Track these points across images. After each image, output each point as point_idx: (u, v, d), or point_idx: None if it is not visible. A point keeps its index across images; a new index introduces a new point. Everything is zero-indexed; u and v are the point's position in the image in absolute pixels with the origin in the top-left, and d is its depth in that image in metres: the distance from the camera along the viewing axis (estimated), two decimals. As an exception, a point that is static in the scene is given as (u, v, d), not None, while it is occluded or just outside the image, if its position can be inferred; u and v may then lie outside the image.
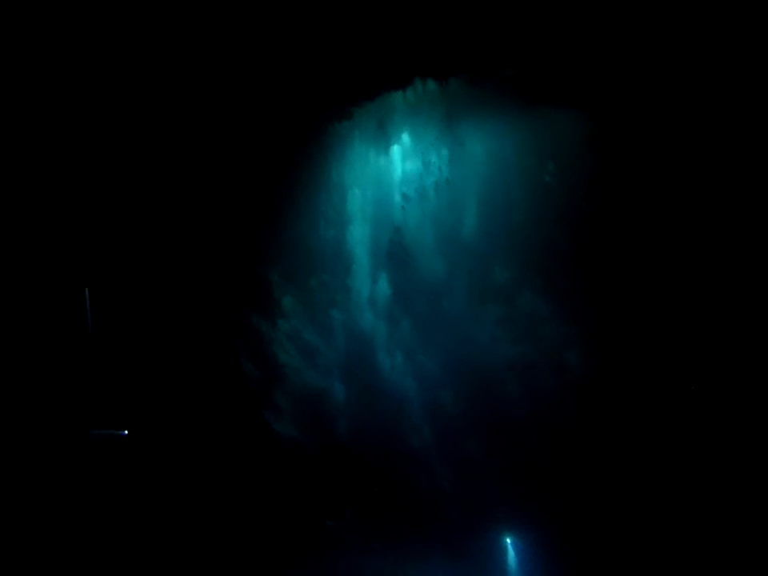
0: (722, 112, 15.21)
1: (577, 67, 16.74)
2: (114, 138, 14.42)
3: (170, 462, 13.60)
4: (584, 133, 17.70)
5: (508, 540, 16.36)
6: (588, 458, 17.16)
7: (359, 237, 19.72)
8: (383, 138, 19.29)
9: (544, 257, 19.40)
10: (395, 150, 19.25)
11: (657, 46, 15.60)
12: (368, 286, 19.76)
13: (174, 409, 14.00)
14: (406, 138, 19.15)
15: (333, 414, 17.42)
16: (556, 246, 19.19)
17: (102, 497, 11.88)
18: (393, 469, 17.58)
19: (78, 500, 11.47)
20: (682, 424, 15.87)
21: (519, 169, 18.83)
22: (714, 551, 13.16)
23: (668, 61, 15.66)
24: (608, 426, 17.15)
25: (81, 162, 13.95)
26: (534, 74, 17.63)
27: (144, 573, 11.65)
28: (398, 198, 19.85)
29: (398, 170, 19.35)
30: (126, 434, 12.03)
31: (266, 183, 17.00)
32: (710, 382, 15.75)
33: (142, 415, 13.23)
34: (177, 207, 15.50)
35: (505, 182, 19.18)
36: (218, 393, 14.60)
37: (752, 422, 14.33)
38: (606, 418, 17.37)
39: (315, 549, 13.23)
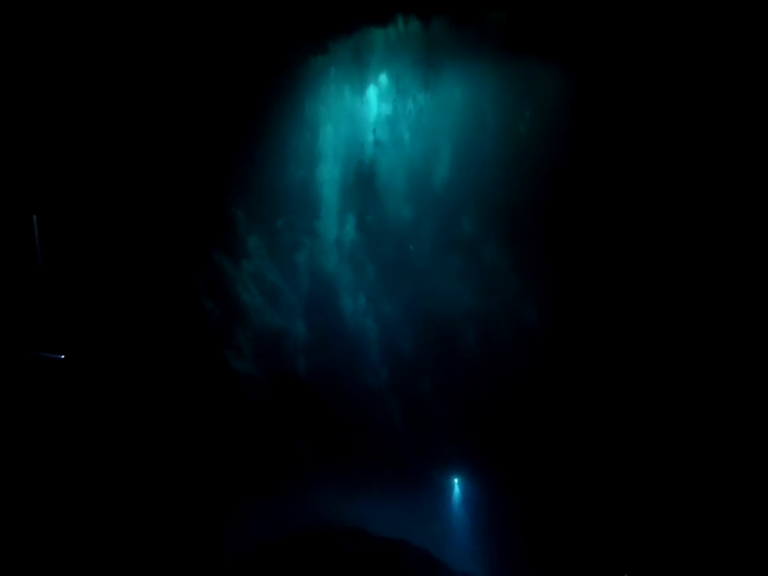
0: (705, 85, 15.16)
1: (567, 20, 16.21)
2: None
3: (121, 392, 13.60)
4: (565, 91, 17.45)
5: (455, 480, 17.26)
6: (535, 407, 17.95)
7: (329, 177, 19.30)
8: (360, 77, 18.51)
9: (512, 211, 19.50)
10: (371, 90, 18.56)
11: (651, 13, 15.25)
12: (335, 228, 19.56)
13: (128, 339, 13.80)
14: (383, 78, 18.42)
15: (292, 353, 17.47)
16: (525, 201, 19.26)
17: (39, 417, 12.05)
18: (349, 407, 18.14)
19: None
20: (629, 382, 16.65)
21: (496, 121, 18.54)
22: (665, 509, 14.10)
23: (659, 29, 15.34)
24: (557, 378, 17.93)
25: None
26: (522, 20, 17.02)
27: (91, 506, 11.91)
28: (370, 139, 19.36)
29: (373, 111, 18.74)
30: (63, 358, 11.92)
31: (234, 115, 16.14)
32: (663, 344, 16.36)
33: (90, 342, 13.10)
34: (139, 134, 14.70)
35: (481, 132, 18.89)
36: (175, 328, 14.40)
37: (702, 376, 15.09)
38: (556, 371, 18.12)
39: (271, 481, 13.68)
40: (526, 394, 18.18)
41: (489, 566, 13.46)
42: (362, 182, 19.63)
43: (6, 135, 12.68)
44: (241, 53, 15.78)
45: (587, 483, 16.04)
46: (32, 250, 12.35)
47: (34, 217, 12.22)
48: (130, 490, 12.22)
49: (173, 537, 11.53)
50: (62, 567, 10.72)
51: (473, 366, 19.38)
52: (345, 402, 18.29)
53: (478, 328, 19.56)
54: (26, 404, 12.11)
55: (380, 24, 17.71)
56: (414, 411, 19.17)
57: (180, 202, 15.25)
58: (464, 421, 18.48)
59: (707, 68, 15.06)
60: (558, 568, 14.19)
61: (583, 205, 18.25)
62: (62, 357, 12.02)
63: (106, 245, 14.30)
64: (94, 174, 13.71)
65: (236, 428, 14.37)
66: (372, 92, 18.52)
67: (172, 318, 14.42)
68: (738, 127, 15.06)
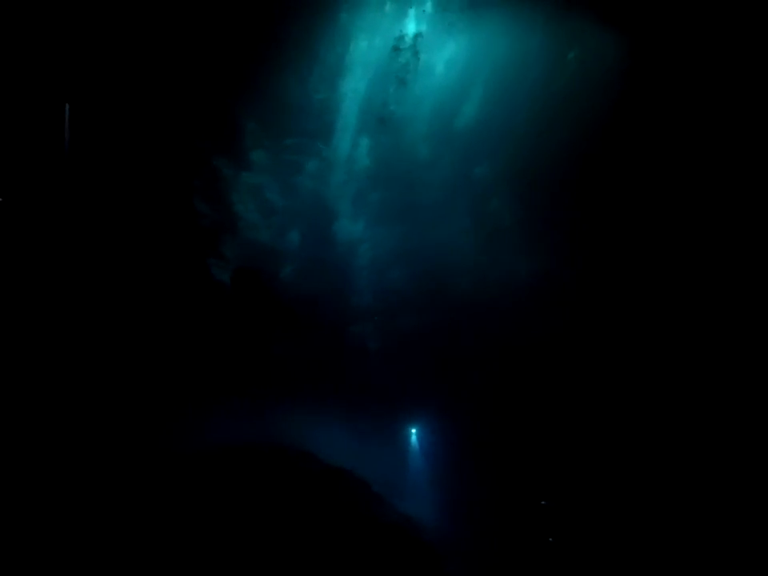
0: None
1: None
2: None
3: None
4: (615, 54, 16.29)
5: (413, 430, 18.09)
6: (510, 364, 18.38)
7: (351, 94, 18.41)
8: (405, -5, 17.06)
9: (529, 168, 18.94)
10: (413, 11, 17.17)
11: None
12: (347, 148, 18.97)
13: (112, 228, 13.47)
14: (429, 5, 16.96)
15: (277, 272, 17.47)
16: (544, 160, 18.65)
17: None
18: (327, 331, 18.52)
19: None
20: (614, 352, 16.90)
21: (535, 73, 17.51)
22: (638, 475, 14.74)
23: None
24: (537, 340, 18.23)
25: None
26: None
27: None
28: (403, 62, 18.27)
29: (411, 34, 17.45)
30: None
31: (257, 11, 14.85)
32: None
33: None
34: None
35: (517, 81, 17.89)
36: (163, 223, 14.05)
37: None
38: (537, 331, 18.39)
39: (234, 393, 14.20)
40: (504, 350, 18.54)
41: (429, 511, 14.41)
42: (386, 105, 18.80)
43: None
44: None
45: (540, 444, 16.64)
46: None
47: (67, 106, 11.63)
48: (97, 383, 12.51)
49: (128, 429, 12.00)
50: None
51: (457, 310, 19.62)
52: (323, 325, 18.60)
53: (469, 275, 19.65)
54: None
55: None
56: (390, 348, 19.58)
57: (185, 95, 14.29)
58: (436, 366, 18.95)
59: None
60: (495, 516, 15.05)
61: (603, 176, 17.67)
62: None
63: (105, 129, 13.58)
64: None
65: (207, 335, 14.61)
66: (413, 13, 17.15)
67: (161, 212, 14.05)
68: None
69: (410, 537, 10.84)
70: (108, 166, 13.34)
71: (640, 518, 13.32)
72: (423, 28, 17.68)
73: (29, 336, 11.79)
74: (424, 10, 17.31)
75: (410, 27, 17.76)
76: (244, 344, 15.32)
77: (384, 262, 19.89)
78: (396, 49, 17.60)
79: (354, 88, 18.15)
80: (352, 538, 10.27)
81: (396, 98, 18.57)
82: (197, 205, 14.85)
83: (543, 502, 14.78)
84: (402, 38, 17.53)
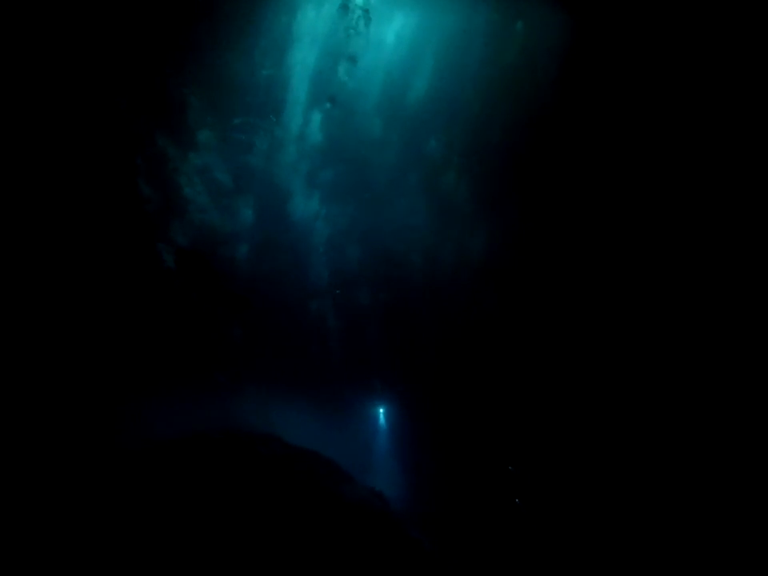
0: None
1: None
2: None
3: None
4: (560, 32, 16.48)
5: (381, 410, 18.29)
6: (466, 339, 18.70)
7: (301, 66, 17.88)
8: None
9: (481, 142, 19.08)
10: (365, -25, 16.70)
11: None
12: (299, 123, 18.52)
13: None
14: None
15: (232, 255, 17.04)
16: (496, 134, 18.82)
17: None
18: (285, 313, 18.31)
19: None
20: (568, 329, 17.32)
21: (484, 47, 17.52)
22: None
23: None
24: (492, 315, 18.59)
25: None
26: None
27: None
28: (353, 33, 17.87)
29: (359, 6, 17.02)
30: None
31: None
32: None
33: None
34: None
35: (467, 54, 17.91)
36: (107, 207, 13.32)
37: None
38: (492, 306, 18.74)
39: (189, 379, 13.88)
40: (460, 324, 18.83)
41: (400, 485, 14.68)
42: (335, 78, 18.40)
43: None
44: None
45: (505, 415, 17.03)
46: None
47: None
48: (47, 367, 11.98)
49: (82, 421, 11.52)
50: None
51: (413, 288, 19.77)
52: (280, 306, 18.39)
53: (424, 251, 19.77)
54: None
55: None
56: (350, 325, 19.57)
57: (117, 64, 13.26)
58: (395, 343, 19.11)
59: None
60: (464, 485, 15.42)
61: (554, 150, 17.95)
62: None
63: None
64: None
65: (159, 323, 14.15)
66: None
67: (103, 196, 13.29)
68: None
69: (377, 511, 11.03)
70: (43, 146, 12.50)
71: (606, 478, 13.93)
72: (374, 5, 17.32)
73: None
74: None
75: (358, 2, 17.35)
76: (195, 328, 14.95)
77: (340, 240, 19.74)
78: (344, 7, 17.04)
79: (302, 61, 17.64)
80: (320, 517, 10.32)
81: (346, 71, 18.21)
82: (141, 188, 14.10)
83: (510, 468, 15.32)
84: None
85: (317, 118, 18.59)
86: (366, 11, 17.05)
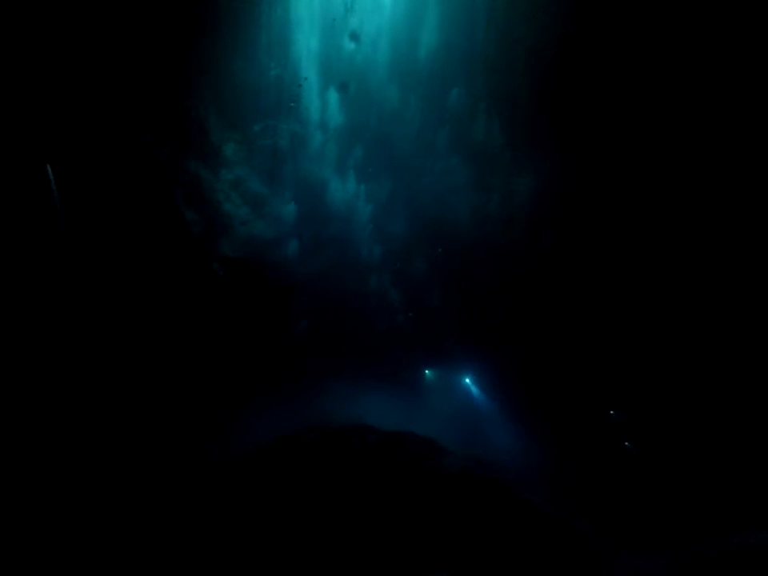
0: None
1: None
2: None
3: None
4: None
5: (467, 380, 18.05)
6: (530, 286, 18.18)
7: (306, 52, 17.59)
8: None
9: (504, 80, 18.16)
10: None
11: None
12: (318, 110, 18.32)
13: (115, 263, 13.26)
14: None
15: (285, 260, 17.28)
16: (519, 69, 17.86)
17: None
18: (349, 304, 18.45)
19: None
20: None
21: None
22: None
23: None
24: (551, 254, 17.97)
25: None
26: None
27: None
28: (349, 4, 17.34)
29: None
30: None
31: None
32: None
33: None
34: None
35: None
36: (158, 241, 13.71)
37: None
38: (549, 246, 18.13)
39: (275, 383, 14.25)
40: (521, 271, 18.32)
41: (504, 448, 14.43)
42: (343, 56, 18.01)
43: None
44: None
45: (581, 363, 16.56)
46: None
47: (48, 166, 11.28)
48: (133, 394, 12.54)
49: (175, 436, 11.99)
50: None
51: (467, 248, 19.35)
52: (340, 292, 18.53)
53: (471, 208, 19.26)
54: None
55: None
56: (413, 297, 19.44)
57: (133, 98, 13.36)
58: (462, 306, 18.82)
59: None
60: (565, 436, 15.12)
61: (580, 81, 16.86)
62: None
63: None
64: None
65: (234, 335, 14.56)
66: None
67: (153, 231, 13.69)
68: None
69: (483, 477, 11.04)
70: (90, 194, 12.98)
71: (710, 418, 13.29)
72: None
73: (46, 351, 11.94)
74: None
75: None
76: (262, 333, 15.33)
77: (384, 214, 19.56)
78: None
79: (306, 47, 17.31)
80: (425, 491, 10.42)
81: (351, 45, 17.73)
82: (184, 213, 14.38)
83: (611, 413, 14.87)
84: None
85: (334, 98, 18.34)
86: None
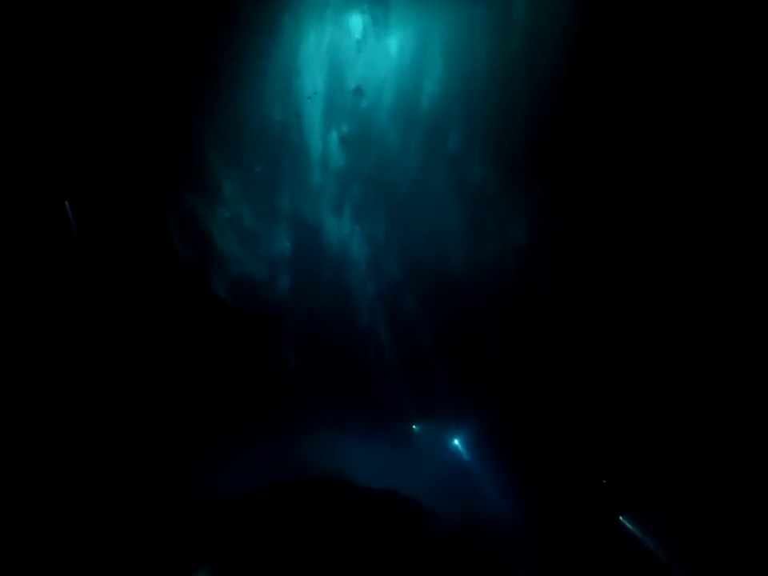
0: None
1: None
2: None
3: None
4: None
5: (456, 441, 17.67)
6: (524, 330, 18.03)
7: (312, 96, 17.80)
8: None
9: (501, 129, 18.45)
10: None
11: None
12: (319, 150, 18.44)
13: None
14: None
15: (276, 300, 17.23)
16: (515, 119, 18.19)
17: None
18: (340, 345, 18.24)
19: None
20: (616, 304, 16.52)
21: (487, 34, 16.88)
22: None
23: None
24: (546, 298, 17.91)
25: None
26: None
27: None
28: (354, 48, 17.63)
29: (359, 24, 16.78)
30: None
31: (194, 36, 13.86)
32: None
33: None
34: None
35: (471, 46, 17.27)
36: (150, 269, 13.63)
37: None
38: (545, 290, 18.08)
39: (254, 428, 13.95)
40: (515, 315, 18.21)
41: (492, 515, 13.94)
42: (345, 96, 18.22)
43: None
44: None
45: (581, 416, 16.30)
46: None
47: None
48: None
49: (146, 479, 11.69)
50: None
51: (460, 291, 19.34)
52: (331, 330, 18.42)
53: (466, 251, 19.30)
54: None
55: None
56: (401, 329, 19.24)
57: (139, 133, 13.52)
58: (453, 352, 18.67)
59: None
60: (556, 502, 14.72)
61: (577, 131, 17.14)
62: None
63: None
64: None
65: (219, 374, 14.39)
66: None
67: (144, 260, 13.62)
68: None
69: (468, 544, 10.69)
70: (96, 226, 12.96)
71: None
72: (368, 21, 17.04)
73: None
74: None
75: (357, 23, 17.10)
76: (247, 370, 15.15)
77: (378, 254, 19.54)
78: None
79: (312, 91, 17.54)
80: (409, 556, 10.07)
81: (354, 88, 18.00)
82: (178, 247, 14.30)
83: (604, 481, 14.55)
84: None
85: (334, 138, 18.49)
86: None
